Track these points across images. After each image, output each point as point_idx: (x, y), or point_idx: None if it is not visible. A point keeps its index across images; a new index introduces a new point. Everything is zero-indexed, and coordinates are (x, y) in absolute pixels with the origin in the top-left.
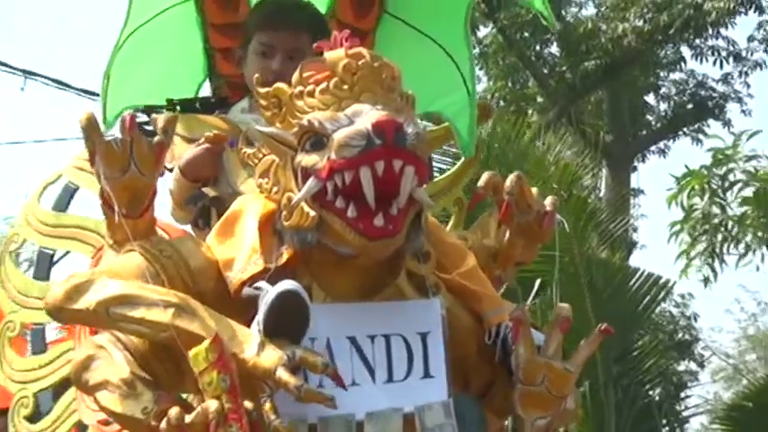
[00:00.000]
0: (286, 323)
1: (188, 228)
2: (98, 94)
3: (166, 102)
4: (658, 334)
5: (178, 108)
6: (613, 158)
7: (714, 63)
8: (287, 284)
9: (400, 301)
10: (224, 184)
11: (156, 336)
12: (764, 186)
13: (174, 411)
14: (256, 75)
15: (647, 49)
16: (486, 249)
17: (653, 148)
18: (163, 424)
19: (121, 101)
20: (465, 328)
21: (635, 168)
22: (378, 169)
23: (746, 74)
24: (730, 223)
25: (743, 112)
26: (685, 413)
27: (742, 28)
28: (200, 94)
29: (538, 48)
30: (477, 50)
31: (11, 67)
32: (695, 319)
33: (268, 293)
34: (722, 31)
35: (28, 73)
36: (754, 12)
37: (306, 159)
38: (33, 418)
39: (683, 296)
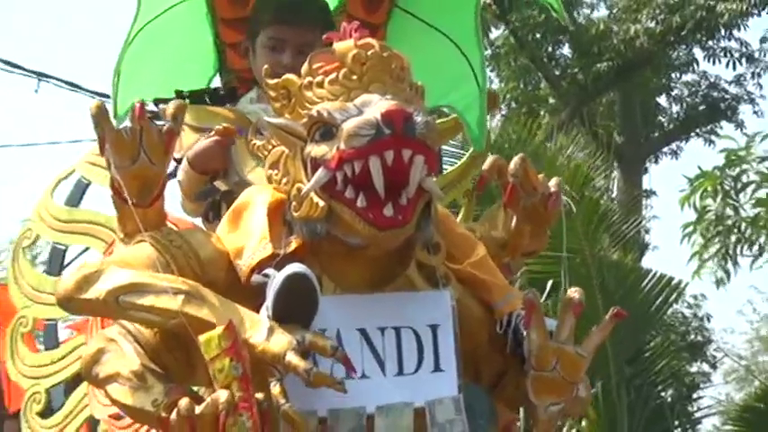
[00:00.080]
0: (295, 306)
1: (198, 221)
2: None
3: (175, 93)
4: (670, 335)
5: (187, 100)
6: (625, 160)
7: (727, 65)
8: (295, 267)
9: (410, 293)
10: (233, 175)
11: (165, 323)
12: None
13: (183, 402)
14: (265, 66)
15: (660, 51)
16: (495, 240)
17: (665, 149)
18: (173, 415)
19: (132, 96)
20: (475, 318)
21: (647, 170)
22: (387, 159)
23: (759, 75)
24: (743, 225)
25: (755, 113)
26: (697, 414)
27: (755, 29)
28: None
29: (550, 49)
30: (489, 52)
31: (24, 69)
32: (708, 321)
33: (276, 278)
34: (735, 32)
35: (41, 75)
36: (767, 13)
37: (315, 150)
38: (45, 413)
39: (695, 297)
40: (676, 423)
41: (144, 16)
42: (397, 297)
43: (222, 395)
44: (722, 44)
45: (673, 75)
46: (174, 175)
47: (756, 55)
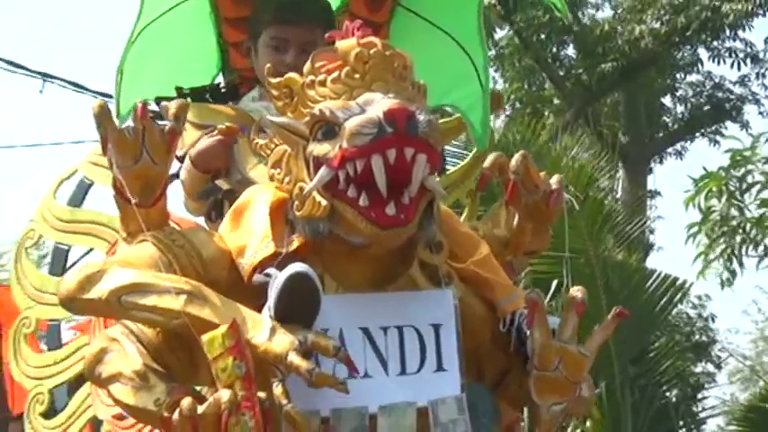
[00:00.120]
0: (297, 306)
1: (201, 220)
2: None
3: (176, 90)
4: (675, 335)
5: (189, 98)
6: (630, 160)
7: (731, 65)
8: (297, 267)
9: (413, 292)
10: (235, 173)
11: (168, 323)
12: None
13: (186, 402)
14: (268, 65)
15: (664, 51)
16: (497, 239)
17: (670, 149)
18: (175, 415)
19: (135, 95)
20: (478, 317)
21: (652, 170)
22: (389, 157)
23: (764, 75)
24: (748, 225)
25: (760, 113)
26: (702, 414)
27: (760, 30)
28: None
29: (554, 50)
30: (493, 52)
31: (29, 69)
32: (712, 321)
33: (278, 278)
34: (740, 32)
35: (46, 75)
36: None
37: (318, 149)
38: (48, 414)
39: (699, 297)
40: (681, 423)
41: (147, 15)
42: (400, 296)
43: (225, 395)
44: (727, 44)
45: (677, 75)
46: (177, 175)
47: (761, 55)
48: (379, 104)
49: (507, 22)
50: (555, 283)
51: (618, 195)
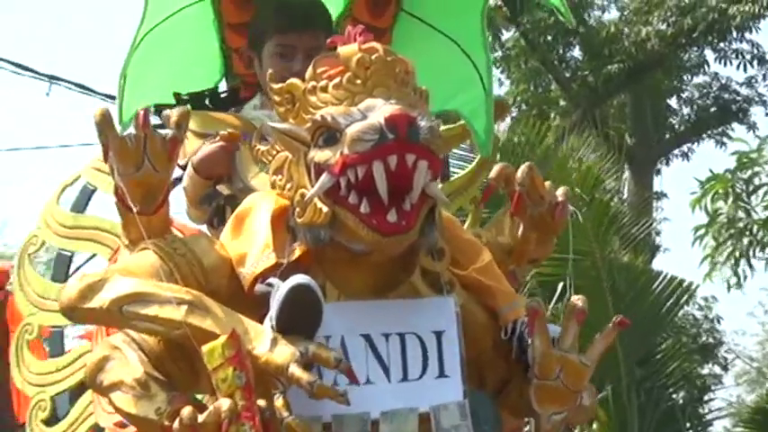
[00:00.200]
0: (299, 318)
1: (203, 227)
2: None
3: (174, 96)
4: (681, 337)
5: (188, 106)
6: (636, 162)
7: (738, 66)
8: (299, 278)
9: (415, 299)
10: (236, 181)
11: (169, 333)
12: None
13: (186, 411)
14: (270, 71)
15: (671, 53)
16: (501, 246)
17: (676, 151)
18: (176, 424)
19: (138, 101)
20: (480, 325)
21: (659, 171)
22: (390, 163)
23: None
24: (755, 227)
25: (767, 115)
26: (709, 416)
27: (766, 31)
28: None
29: (560, 51)
30: (499, 54)
31: (36, 72)
32: (718, 322)
33: (280, 289)
34: (746, 34)
35: (52, 78)
36: None
37: (319, 155)
38: (50, 421)
39: (706, 299)
40: (687, 425)
41: (150, 20)
42: (402, 304)
43: (225, 403)
44: (734, 46)
45: (684, 77)
46: (180, 179)
47: None
48: (380, 110)
49: (513, 24)
50: (561, 285)
51: (624, 197)
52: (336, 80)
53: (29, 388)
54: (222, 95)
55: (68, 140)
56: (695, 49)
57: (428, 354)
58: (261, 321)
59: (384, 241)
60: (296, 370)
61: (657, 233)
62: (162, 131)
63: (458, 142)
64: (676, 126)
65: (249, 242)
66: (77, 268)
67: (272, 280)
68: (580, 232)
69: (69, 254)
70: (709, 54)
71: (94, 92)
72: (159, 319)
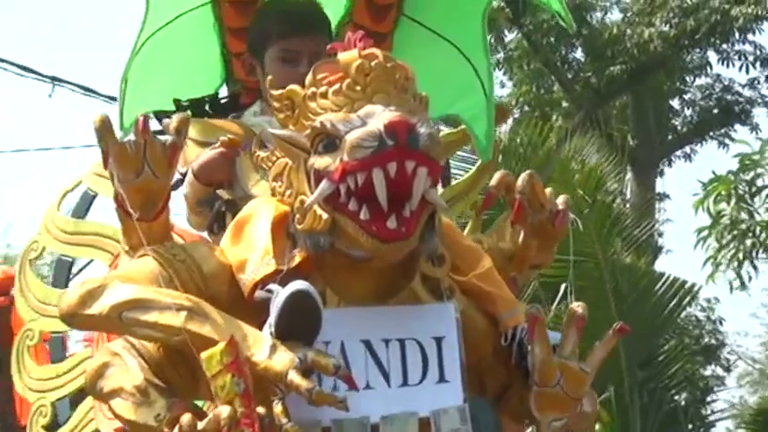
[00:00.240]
0: (298, 324)
1: (204, 233)
2: None
3: (174, 102)
4: (684, 338)
5: (188, 111)
6: (638, 163)
7: (741, 68)
8: (298, 284)
9: (415, 306)
10: (237, 189)
11: (168, 340)
12: None
13: (185, 418)
14: (269, 77)
15: (674, 54)
16: (502, 252)
17: (679, 152)
18: (175, 431)
19: (139, 106)
20: (480, 331)
21: (663, 172)
22: (390, 170)
23: None
24: (758, 229)
25: None
26: (711, 418)
27: None
28: None
29: (563, 53)
30: (502, 55)
31: (38, 73)
32: (721, 324)
33: (279, 295)
34: (749, 36)
35: (55, 80)
36: None
37: (318, 161)
38: (51, 427)
39: (708, 300)
40: (690, 426)
41: (151, 25)
42: (402, 310)
43: (224, 411)
44: (736, 48)
45: (686, 78)
46: (181, 182)
47: None
48: (380, 117)
49: (516, 26)
50: (563, 286)
51: (627, 198)
52: (336, 86)
53: (30, 394)
54: (222, 101)
55: (71, 141)
56: (698, 50)
57: (428, 359)
58: (261, 327)
59: (384, 248)
60: (295, 377)
61: (660, 234)
62: (162, 137)
63: (458, 147)
64: (679, 127)
65: (249, 248)
66: (78, 271)
67: (271, 286)
68: (582, 234)
69: (70, 260)
70: (712, 55)
71: (97, 93)
72: (159, 326)
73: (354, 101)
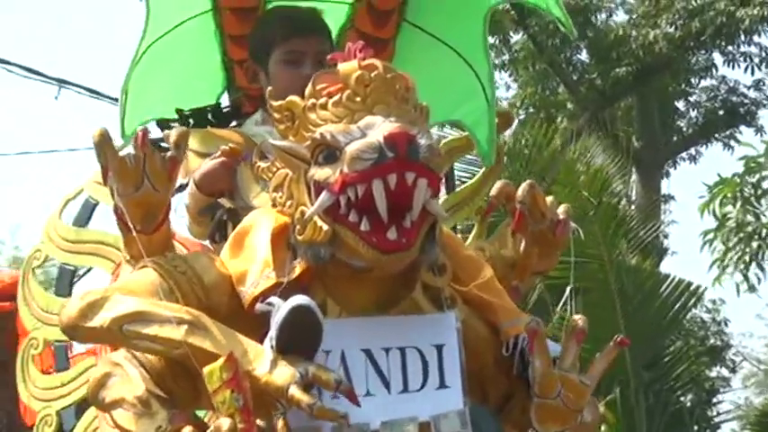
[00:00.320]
0: (299, 339)
1: (206, 242)
2: None
3: (176, 112)
4: (689, 340)
5: (191, 121)
6: (644, 165)
7: (746, 69)
8: (299, 300)
9: (415, 316)
10: (238, 200)
11: (169, 353)
12: None
13: (187, 430)
14: (269, 88)
15: (679, 56)
16: (504, 260)
17: (684, 154)
18: None
19: (140, 115)
20: (482, 340)
21: (668, 173)
22: (390, 182)
23: None
24: (764, 231)
25: None
26: (717, 419)
27: None
28: None
29: (568, 54)
30: (507, 57)
31: (45, 76)
32: (726, 325)
33: (280, 309)
34: (755, 37)
35: (61, 82)
36: None
37: (319, 173)
38: None
39: (714, 302)
40: (695, 428)
41: (152, 34)
42: (402, 319)
43: (225, 423)
44: (742, 49)
45: (692, 80)
46: (183, 187)
47: None
48: (380, 128)
49: (521, 27)
50: (568, 288)
51: (632, 200)
52: (336, 97)
53: (35, 403)
54: (225, 111)
55: (75, 142)
56: (703, 52)
57: (428, 366)
58: (261, 340)
59: (384, 259)
60: (296, 392)
61: (665, 236)
62: (163, 146)
63: (461, 153)
64: (684, 129)
65: (249, 260)
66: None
67: (272, 299)
68: (588, 235)
69: (72, 268)
70: (718, 57)
71: (103, 95)
72: (159, 339)
73: (354, 112)
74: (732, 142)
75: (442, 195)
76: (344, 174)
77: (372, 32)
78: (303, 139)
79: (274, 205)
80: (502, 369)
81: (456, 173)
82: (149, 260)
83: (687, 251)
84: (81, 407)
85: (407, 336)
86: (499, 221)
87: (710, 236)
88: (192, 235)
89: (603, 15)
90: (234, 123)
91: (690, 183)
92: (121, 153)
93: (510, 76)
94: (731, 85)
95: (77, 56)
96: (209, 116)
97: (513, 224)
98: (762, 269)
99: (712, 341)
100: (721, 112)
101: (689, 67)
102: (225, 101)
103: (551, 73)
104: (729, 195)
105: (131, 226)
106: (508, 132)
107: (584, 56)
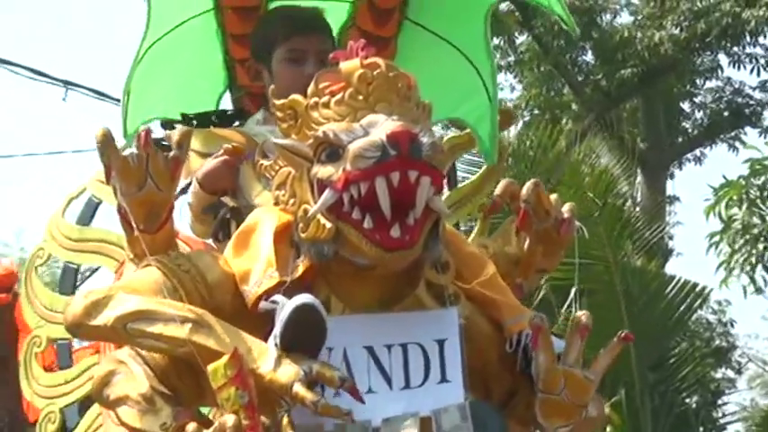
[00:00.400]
0: (303, 337)
1: (209, 241)
2: None
3: (182, 117)
4: (695, 341)
5: (195, 123)
6: (649, 166)
7: (752, 71)
8: (303, 298)
9: (418, 312)
10: (240, 199)
11: (173, 351)
12: None
13: (191, 427)
14: (271, 87)
15: (684, 57)
16: (508, 257)
17: (689, 155)
18: None
19: (142, 114)
20: (485, 336)
21: (673, 174)
22: (393, 180)
23: None
24: None
25: None
26: (722, 420)
27: None
28: (221, 106)
29: (573, 56)
30: (512, 58)
31: (51, 77)
32: (732, 326)
33: (284, 308)
34: (760, 38)
35: (68, 83)
36: None
37: (322, 171)
38: None
39: (719, 303)
40: (701, 429)
41: (153, 34)
42: (405, 316)
43: (230, 420)
44: (747, 50)
45: (697, 81)
46: (186, 188)
47: None
48: (382, 127)
49: (526, 28)
50: (573, 289)
51: (637, 201)
52: (338, 96)
53: (38, 400)
54: (229, 113)
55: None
56: (708, 53)
57: (430, 361)
58: (266, 338)
59: (387, 256)
60: (300, 389)
61: (670, 237)
62: (166, 145)
63: (464, 150)
64: (689, 130)
65: (252, 259)
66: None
67: (276, 297)
68: (593, 237)
69: (76, 266)
70: (723, 58)
71: (109, 97)
72: (164, 337)
73: (357, 110)
74: (737, 144)
75: (445, 193)
76: (347, 171)
77: (374, 31)
78: (306, 137)
79: (277, 203)
80: (505, 365)
81: (459, 174)
82: (153, 259)
83: (692, 252)
84: (84, 404)
85: (410, 332)
86: (500, 222)
87: (716, 238)
88: (195, 234)
89: (608, 17)
90: (236, 123)
91: (695, 184)
92: (124, 153)
93: (515, 77)
94: (736, 86)
95: (78, 56)
96: (214, 118)
97: (517, 222)
98: None
99: (718, 342)
100: (726, 114)
101: (694, 68)
102: (227, 102)
103: (556, 74)
104: (735, 197)
105: (135, 225)
106: (513, 133)
107: (589, 57)
